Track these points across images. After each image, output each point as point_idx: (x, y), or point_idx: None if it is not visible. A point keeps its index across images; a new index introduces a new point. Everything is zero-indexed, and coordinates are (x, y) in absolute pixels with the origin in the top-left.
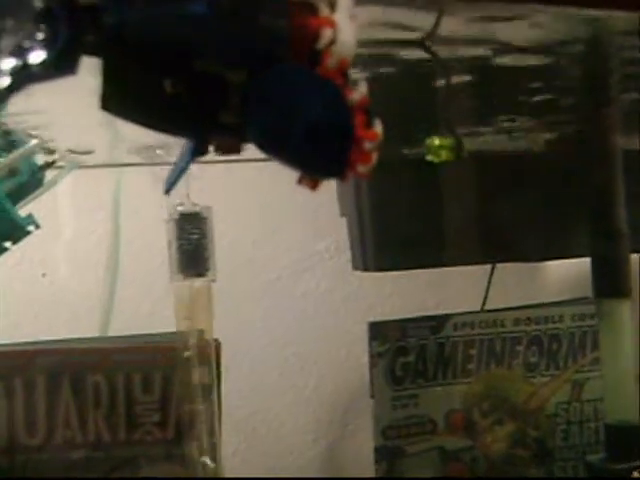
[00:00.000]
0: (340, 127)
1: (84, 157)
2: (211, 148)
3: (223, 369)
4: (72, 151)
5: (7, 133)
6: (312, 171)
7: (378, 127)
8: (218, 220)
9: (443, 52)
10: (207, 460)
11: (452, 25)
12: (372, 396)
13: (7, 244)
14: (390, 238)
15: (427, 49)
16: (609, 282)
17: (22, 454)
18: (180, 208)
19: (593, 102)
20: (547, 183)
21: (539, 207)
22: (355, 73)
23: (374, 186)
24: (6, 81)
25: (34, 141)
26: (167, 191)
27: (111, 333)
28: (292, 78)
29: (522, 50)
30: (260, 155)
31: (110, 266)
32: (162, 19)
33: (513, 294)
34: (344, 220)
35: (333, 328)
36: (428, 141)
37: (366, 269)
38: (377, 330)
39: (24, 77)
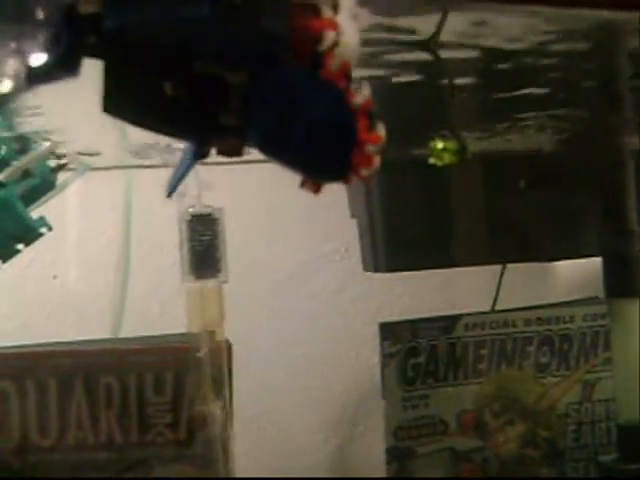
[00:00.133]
0: (343, 130)
1: (95, 159)
2: (213, 151)
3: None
4: (81, 153)
5: (20, 136)
6: (314, 174)
7: (381, 130)
8: (228, 221)
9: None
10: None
11: (457, 26)
12: (384, 397)
13: (20, 246)
14: (401, 239)
15: (431, 51)
16: (620, 282)
17: (34, 455)
18: (192, 209)
19: (604, 102)
20: (558, 183)
21: (549, 207)
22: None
23: (385, 188)
24: (9, 84)
25: (47, 144)
26: (169, 194)
27: (122, 334)
28: (294, 81)
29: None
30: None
31: (121, 267)
32: (162, 21)
33: (522, 294)
34: (354, 221)
35: (342, 329)
36: (432, 144)
37: (377, 270)
38: (388, 331)
39: (27, 80)
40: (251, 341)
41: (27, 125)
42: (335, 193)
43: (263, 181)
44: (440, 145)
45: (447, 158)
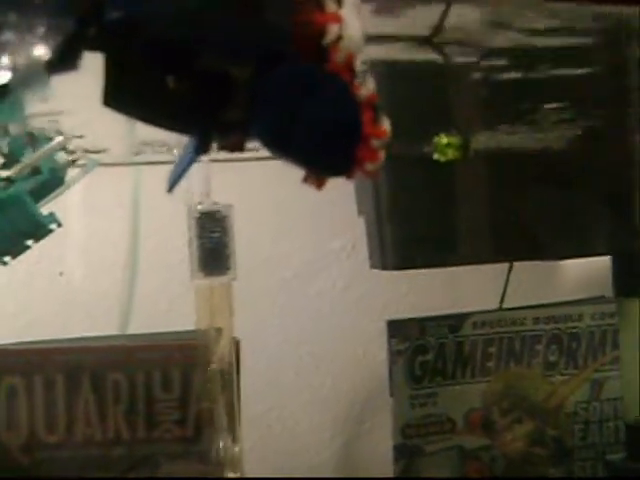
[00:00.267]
0: (347, 124)
1: (103, 155)
2: (215, 146)
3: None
4: (88, 150)
5: (30, 132)
6: (319, 169)
7: (386, 124)
8: (234, 218)
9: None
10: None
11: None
12: (391, 394)
13: (29, 242)
14: (409, 237)
15: (434, 46)
16: (629, 281)
17: (42, 451)
18: (201, 207)
19: (614, 100)
20: (567, 181)
21: (558, 205)
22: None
23: (393, 185)
24: (8, 75)
25: (58, 139)
26: (170, 189)
27: (130, 331)
28: (298, 76)
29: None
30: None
31: (129, 265)
32: (165, 14)
33: (529, 293)
34: (361, 219)
35: (349, 327)
36: (435, 139)
37: (384, 268)
38: (396, 328)
39: (26, 72)
40: (257, 338)
41: (37, 120)
42: (342, 190)
43: (269, 178)
44: (444, 140)
45: (451, 154)
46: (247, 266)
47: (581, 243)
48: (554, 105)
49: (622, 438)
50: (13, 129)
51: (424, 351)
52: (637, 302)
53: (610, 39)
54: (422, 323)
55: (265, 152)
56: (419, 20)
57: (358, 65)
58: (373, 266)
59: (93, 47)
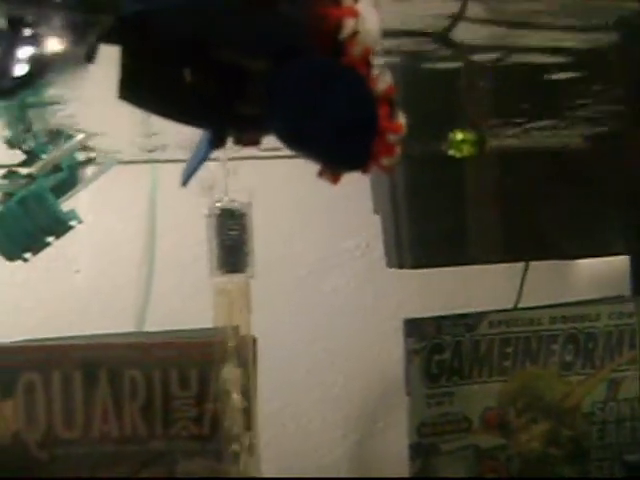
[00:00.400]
0: (363, 119)
1: (120, 153)
2: (230, 141)
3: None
4: (102, 150)
5: (51, 130)
6: (335, 163)
7: (402, 119)
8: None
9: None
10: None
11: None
12: (408, 393)
13: (50, 239)
14: (426, 235)
15: (448, 42)
16: None
17: (59, 447)
18: (220, 204)
19: (631, 100)
20: (585, 180)
21: (576, 204)
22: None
23: (410, 183)
24: (24, 69)
25: (79, 137)
26: (184, 183)
27: (146, 328)
28: (315, 69)
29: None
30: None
31: (145, 262)
32: (182, 7)
33: (544, 292)
34: (375, 217)
35: (363, 325)
36: (450, 135)
37: (401, 266)
38: (413, 327)
39: (42, 66)
40: (272, 336)
41: (57, 117)
42: (357, 188)
43: (284, 176)
44: (459, 137)
45: (466, 150)
46: (262, 264)
47: (599, 243)
48: (572, 104)
49: (639, 438)
50: (35, 126)
51: (440, 350)
52: None
53: (630, 37)
54: (439, 322)
55: (281, 149)
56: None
57: (375, 59)
58: (390, 265)
59: (110, 40)
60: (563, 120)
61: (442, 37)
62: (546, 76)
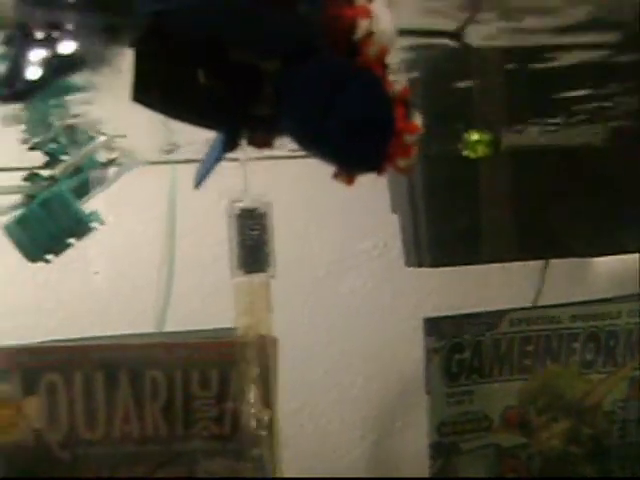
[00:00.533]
0: (380, 120)
1: (140, 154)
2: (243, 143)
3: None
4: (122, 151)
5: (72, 131)
6: (350, 164)
7: (418, 119)
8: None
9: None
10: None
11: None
12: (427, 392)
13: (72, 240)
14: (445, 234)
15: (461, 41)
16: None
17: (80, 447)
18: (240, 204)
19: None
20: (602, 178)
21: (595, 202)
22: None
23: (429, 182)
24: (38, 72)
25: (101, 138)
26: (197, 185)
27: (166, 329)
28: (329, 70)
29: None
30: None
31: (165, 263)
32: (197, 7)
33: (565, 290)
34: (392, 216)
35: (381, 325)
36: (465, 136)
37: (420, 265)
38: (432, 326)
39: (56, 68)
40: (290, 336)
41: (78, 119)
42: (373, 188)
43: (300, 176)
44: (474, 137)
45: (481, 150)
46: (279, 264)
47: (616, 241)
48: (588, 101)
49: None
50: (56, 129)
51: (460, 349)
52: None
53: None
54: (459, 321)
55: (297, 150)
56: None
57: (390, 60)
58: (408, 264)
59: (124, 42)
60: (580, 118)
61: (456, 36)
62: (562, 73)
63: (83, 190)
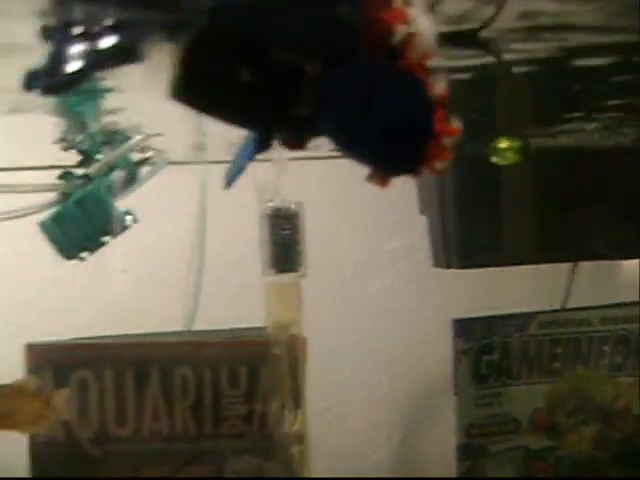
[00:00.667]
0: (420, 123)
1: (171, 153)
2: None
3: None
4: (156, 150)
5: (108, 130)
6: (387, 168)
7: (456, 122)
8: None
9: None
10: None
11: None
12: (456, 394)
13: (106, 238)
14: (474, 236)
15: (481, 44)
16: None
17: (111, 444)
18: (272, 204)
19: None
20: (633, 179)
21: (623, 205)
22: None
23: (459, 185)
24: (77, 65)
25: (137, 137)
26: (227, 185)
27: (195, 327)
28: (370, 72)
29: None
30: (336, 152)
31: (195, 261)
32: (243, 6)
33: (594, 293)
34: (419, 218)
35: (408, 326)
36: (493, 144)
37: (449, 266)
38: (461, 327)
39: (94, 62)
40: (317, 336)
41: (114, 118)
42: (402, 190)
43: (328, 177)
44: (503, 144)
45: (510, 157)
46: (307, 265)
47: None
48: (619, 103)
49: None
50: (91, 127)
51: (490, 350)
52: None
53: None
54: (488, 322)
55: (328, 151)
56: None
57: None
58: (436, 265)
59: (168, 37)
60: (612, 119)
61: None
62: (593, 74)
63: (117, 189)
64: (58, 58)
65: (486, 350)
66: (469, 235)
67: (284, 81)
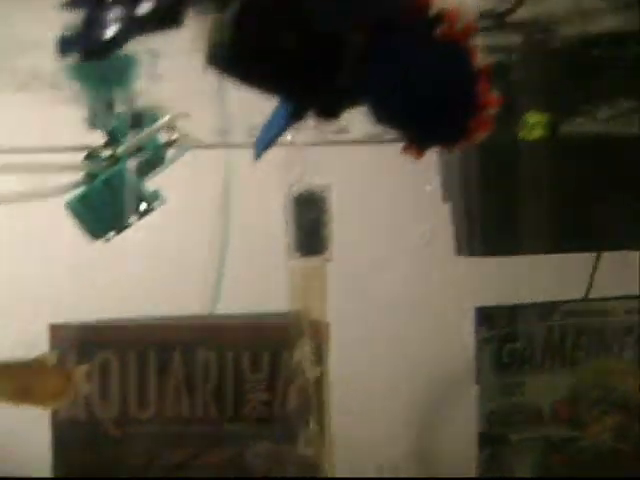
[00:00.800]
0: (465, 94)
1: (197, 136)
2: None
3: None
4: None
5: (136, 111)
6: (430, 137)
7: (496, 93)
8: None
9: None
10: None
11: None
12: (477, 382)
13: (133, 219)
14: (498, 224)
15: (503, 25)
16: None
17: (132, 425)
18: (298, 187)
19: None
20: None
21: None
22: None
23: (484, 173)
24: (112, 31)
25: (164, 118)
26: (258, 156)
27: (218, 311)
28: (414, 43)
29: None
30: (363, 137)
31: (219, 244)
32: None
33: (618, 283)
34: (441, 205)
35: (429, 313)
36: (524, 118)
37: (472, 254)
38: (484, 316)
39: (130, 27)
40: (337, 323)
41: (141, 100)
42: (424, 176)
43: (354, 163)
44: (532, 119)
45: (537, 133)
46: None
47: None
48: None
49: None
50: (118, 108)
51: (513, 339)
52: None
53: None
54: (511, 310)
55: (351, 135)
56: None
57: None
58: (459, 252)
59: (207, 5)
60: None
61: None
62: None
63: (145, 170)
64: (92, 23)
65: (508, 339)
66: (492, 223)
67: (327, 50)
